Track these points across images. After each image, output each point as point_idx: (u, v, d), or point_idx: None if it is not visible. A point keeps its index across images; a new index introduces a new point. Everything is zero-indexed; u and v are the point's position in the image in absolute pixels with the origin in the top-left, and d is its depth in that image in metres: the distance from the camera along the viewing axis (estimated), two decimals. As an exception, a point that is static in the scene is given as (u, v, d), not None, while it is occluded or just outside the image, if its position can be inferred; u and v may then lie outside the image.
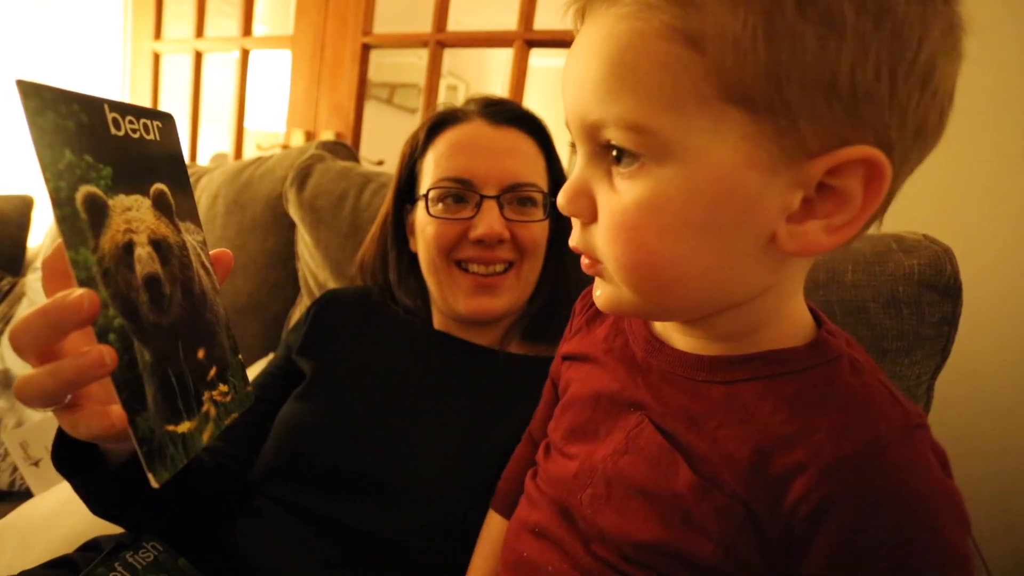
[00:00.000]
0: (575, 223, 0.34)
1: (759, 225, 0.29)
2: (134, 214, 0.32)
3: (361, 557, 0.52)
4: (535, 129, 0.65)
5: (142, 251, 0.32)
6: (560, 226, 0.68)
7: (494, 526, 0.51)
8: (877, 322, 0.60)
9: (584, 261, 0.35)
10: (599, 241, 0.32)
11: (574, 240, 0.35)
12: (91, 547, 0.58)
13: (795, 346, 0.33)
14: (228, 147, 1.81)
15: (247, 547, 0.54)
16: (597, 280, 0.35)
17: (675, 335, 0.37)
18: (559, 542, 0.37)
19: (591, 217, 0.32)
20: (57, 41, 1.87)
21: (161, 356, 0.32)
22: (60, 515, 0.73)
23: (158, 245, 0.33)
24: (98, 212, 0.30)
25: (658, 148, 0.28)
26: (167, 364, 0.33)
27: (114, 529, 0.60)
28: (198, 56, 1.73)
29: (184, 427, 0.33)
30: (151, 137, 0.34)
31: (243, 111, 1.66)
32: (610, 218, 0.31)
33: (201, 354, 0.35)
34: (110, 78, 1.90)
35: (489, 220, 0.60)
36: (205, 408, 0.35)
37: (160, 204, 0.34)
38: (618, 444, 0.36)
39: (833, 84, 0.26)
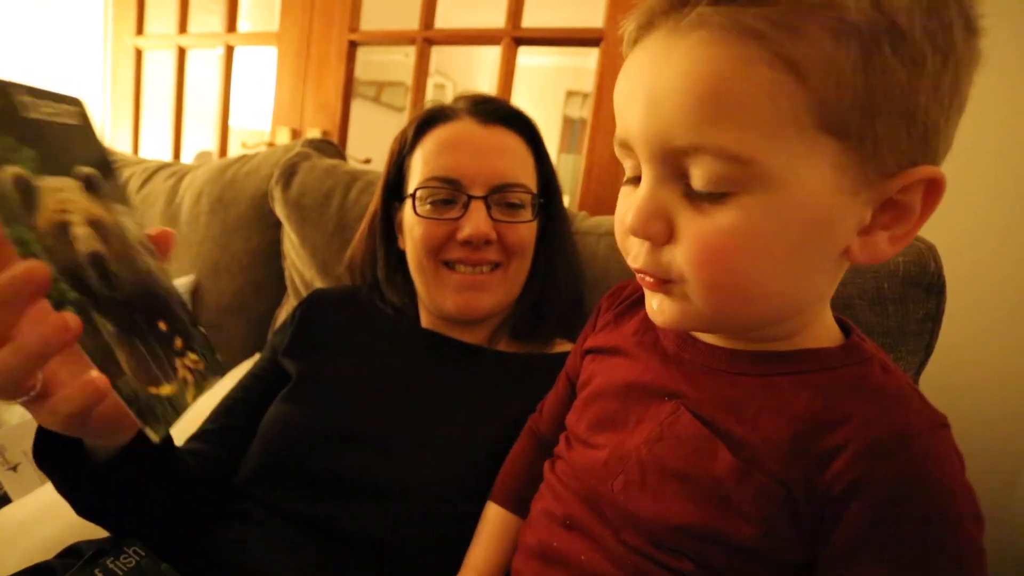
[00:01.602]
0: (638, 244, 0.34)
1: (838, 242, 0.31)
2: (66, 195, 0.31)
3: (353, 558, 0.51)
4: (524, 128, 0.65)
5: (80, 230, 0.31)
6: (550, 226, 0.67)
7: (493, 517, 0.51)
8: (863, 319, 0.61)
9: (647, 280, 0.35)
10: (680, 262, 0.32)
11: (640, 261, 0.34)
12: (70, 553, 0.57)
13: (829, 347, 0.35)
14: (212, 145, 1.79)
15: (233, 551, 0.53)
16: (658, 297, 0.35)
17: (707, 333, 0.39)
18: (589, 532, 0.38)
19: (666, 239, 0.32)
20: (37, 36, 1.83)
21: (124, 327, 0.32)
22: (38, 521, 0.71)
23: (96, 225, 0.33)
24: (28, 192, 0.29)
25: (755, 177, 0.29)
26: (132, 334, 0.32)
27: (94, 534, 0.59)
28: (181, 52, 1.70)
29: (166, 390, 0.33)
30: (69, 121, 0.33)
31: (228, 109, 1.64)
32: (700, 241, 0.31)
33: (162, 326, 0.35)
34: (91, 74, 1.86)
35: (476, 221, 0.59)
36: (181, 374, 0.35)
37: (91, 186, 0.33)
38: (651, 432, 0.37)
39: (913, 116, 0.28)
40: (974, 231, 0.87)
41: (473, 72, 3.05)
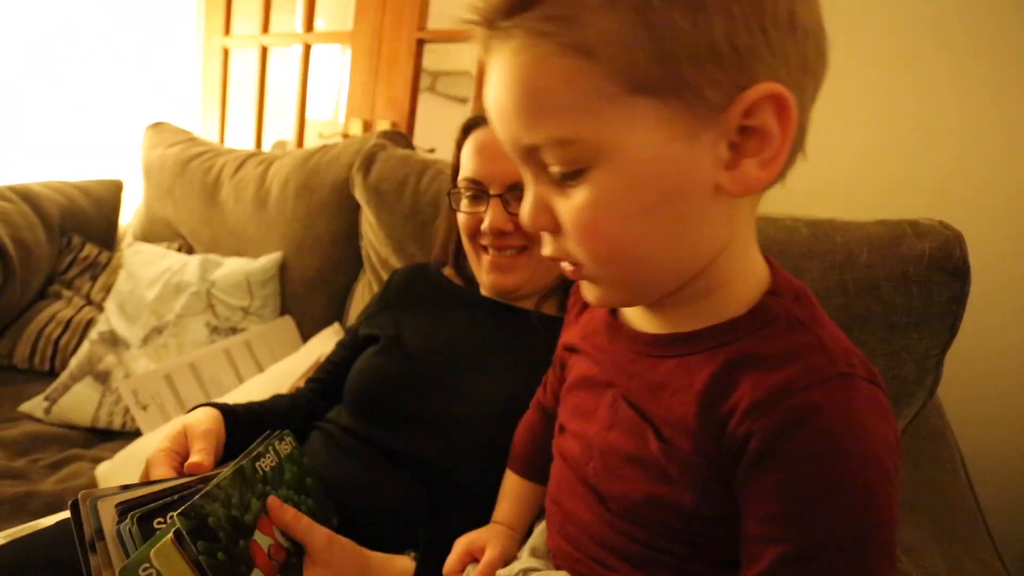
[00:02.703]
0: (545, 237, 0.37)
1: (699, 186, 0.32)
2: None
3: (409, 473, 0.63)
4: None
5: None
6: None
7: (511, 484, 0.61)
8: (888, 298, 0.66)
9: (567, 268, 0.38)
10: (570, 245, 0.35)
11: (548, 251, 0.38)
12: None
13: (735, 317, 0.36)
14: (287, 135, 1.95)
15: (333, 471, 0.66)
16: (584, 284, 0.39)
17: (633, 317, 0.42)
18: (584, 500, 0.44)
19: (557, 227, 0.35)
20: (136, 38, 2.04)
21: None
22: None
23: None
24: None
25: (588, 152, 0.32)
26: None
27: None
28: (264, 51, 1.87)
29: None
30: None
31: (305, 102, 1.79)
32: (572, 222, 0.34)
33: None
34: (185, 72, 2.06)
35: (492, 216, 0.70)
36: None
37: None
38: (603, 420, 0.42)
39: (715, 50, 0.29)
40: (1007, 223, 0.89)
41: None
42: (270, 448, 0.56)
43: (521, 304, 0.77)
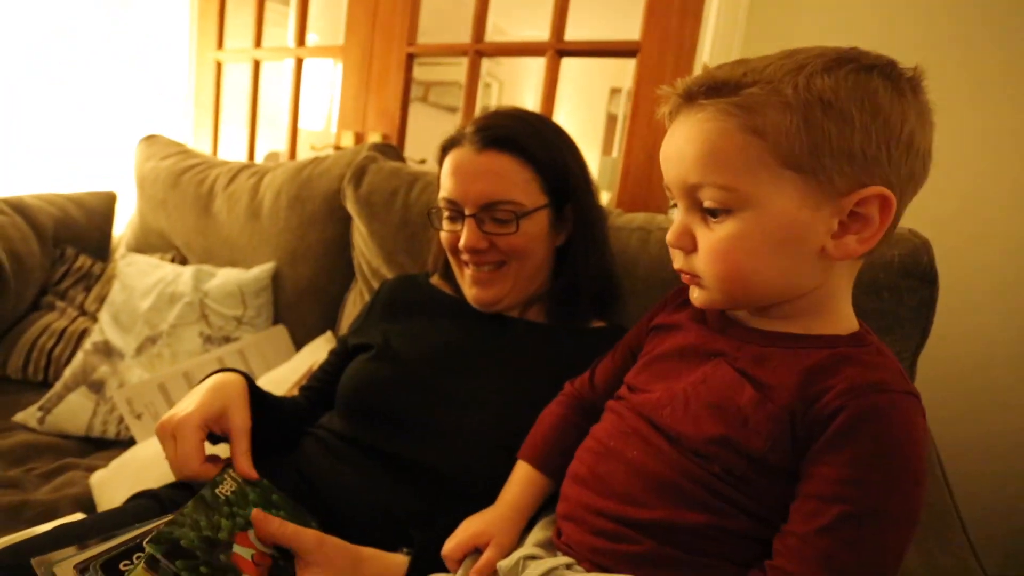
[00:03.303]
0: (678, 253, 0.50)
1: (812, 243, 0.44)
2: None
3: (405, 479, 0.65)
4: (516, 148, 0.73)
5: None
6: (579, 221, 0.78)
7: (523, 471, 0.63)
8: (860, 304, 0.68)
9: (685, 276, 0.50)
10: (700, 264, 0.47)
11: (679, 264, 0.50)
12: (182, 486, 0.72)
13: (840, 334, 0.47)
14: (280, 147, 1.97)
15: (324, 475, 0.67)
16: (695, 288, 0.50)
17: (747, 317, 0.52)
18: (646, 437, 0.50)
19: (691, 248, 0.48)
20: (130, 51, 2.06)
21: None
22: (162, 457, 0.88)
23: None
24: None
25: (740, 200, 0.43)
26: None
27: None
28: (256, 64, 1.89)
29: None
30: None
31: (297, 115, 1.81)
32: (708, 247, 0.46)
33: None
34: (177, 85, 2.08)
35: (467, 235, 0.72)
36: None
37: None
38: (697, 378, 0.50)
39: (850, 154, 0.41)
40: (975, 230, 0.92)
41: (519, 73, 3.16)
42: (226, 475, 0.58)
43: (507, 312, 0.79)
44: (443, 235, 0.77)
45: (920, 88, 0.44)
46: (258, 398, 0.70)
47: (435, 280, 0.87)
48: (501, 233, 0.73)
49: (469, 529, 0.57)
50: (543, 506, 0.61)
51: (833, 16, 0.96)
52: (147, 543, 0.44)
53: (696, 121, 0.45)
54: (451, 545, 0.56)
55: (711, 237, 0.45)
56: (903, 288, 0.69)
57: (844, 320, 0.48)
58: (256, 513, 0.53)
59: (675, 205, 0.49)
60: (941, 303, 0.71)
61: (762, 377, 0.46)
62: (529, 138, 0.74)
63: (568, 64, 1.32)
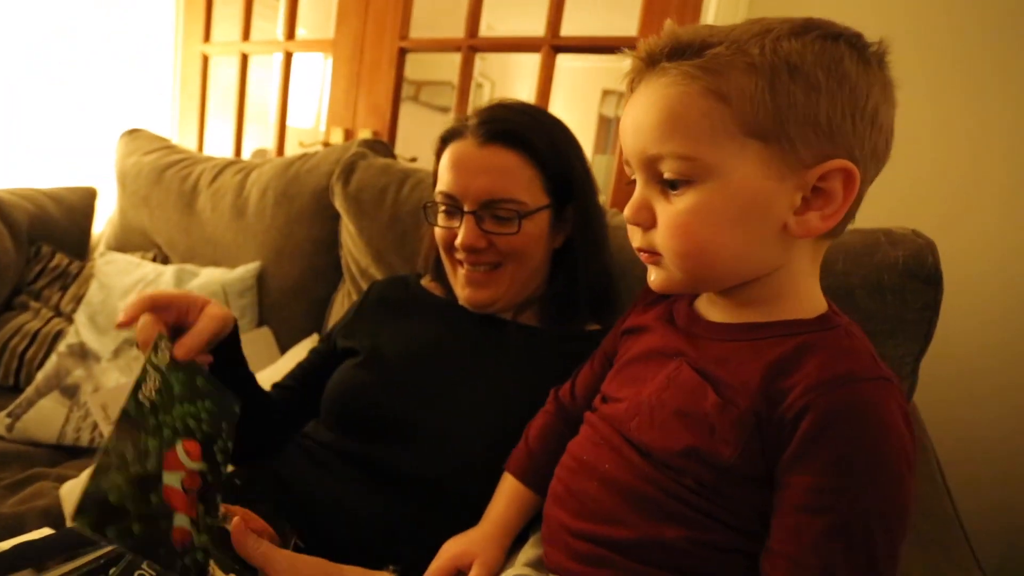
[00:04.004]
0: (636, 230, 0.46)
1: (774, 217, 0.41)
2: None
3: (403, 494, 0.62)
4: (521, 143, 0.69)
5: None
6: (578, 223, 0.75)
7: (510, 488, 0.60)
8: (863, 306, 0.67)
9: (644, 256, 0.47)
10: (659, 239, 0.44)
11: (638, 242, 0.46)
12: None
13: (805, 318, 0.44)
14: (268, 143, 1.93)
15: (310, 487, 0.64)
16: (651, 269, 0.47)
17: (710, 311, 0.49)
18: (618, 449, 0.48)
19: (651, 224, 0.45)
20: (113, 43, 2.00)
21: None
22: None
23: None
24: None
25: (701, 169, 0.41)
26: None
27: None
28: (244, 58, 1.85)
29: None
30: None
31: (285, 110, 1.77)
32: (668, 221, 0.43)
33: None
34: (162, 79, 2.03)
35: (465, 233, 0.69)
36: None
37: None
38: (661, 383, 0.47)
39: (816, 122, 0.39)
40: (985, 232, 0.91)
41: (511, 73, 3.14)
42: (148, 368, 0.49)
43: (500, 315, 0.76)
44: (437, 231, 0.74)
45: (884, 63, 0.42)
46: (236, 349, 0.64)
47: (426, 282, 0.84)
48: (501, 232, 0.69)
49: (450, 551, 0.55)
50: (533, 520, 0.58)
51: (832, 14, 0.95)
52: (75, 519, 0.37)
53: (657, 87, 0.42)
54: (431, 570, 0.54)
55: (671, 210, 0.43)
56: (907, 290, 0.67)
57: (808, 302, 0.45)
58: (236, 525, 0.50)
59: (634, 180, 0.46)
60: (944, 304, 0.69)
61: (724, 378, 0.43)
62: (535, 134, 0.70)
63: (561, 67, 1.30)
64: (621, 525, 0.45)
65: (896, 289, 0.66)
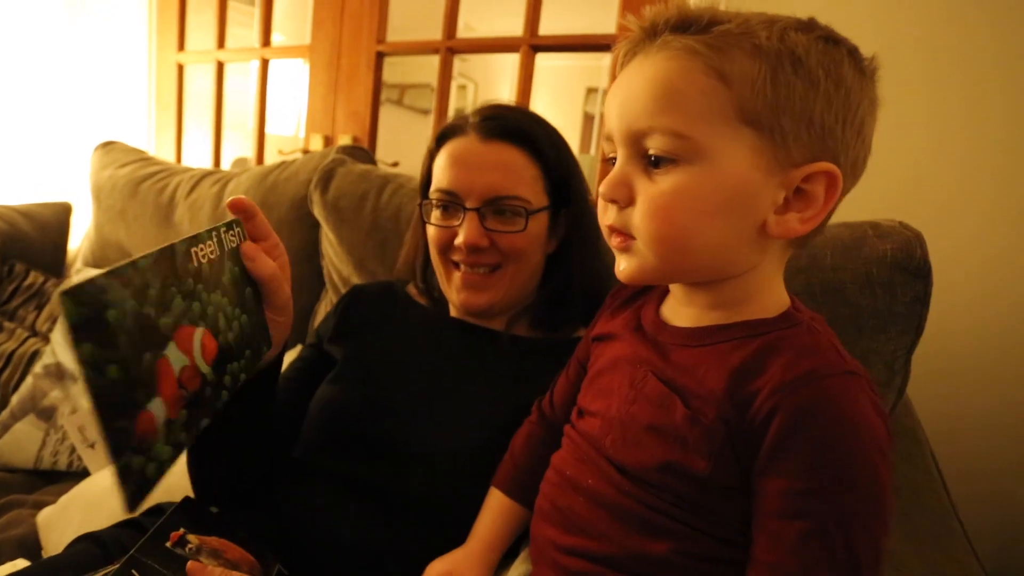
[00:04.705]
0: (611, 208, 0.44)
1: (756, 213, 0.40)
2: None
3: (390, 515, 0.59)
4: (526, 141, 0.68)
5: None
6: (572, 224, 0.73)
7: (496, 503, 0.58)
8: (854, 301, 0.66)
9: (615, 240, 0.44)
10: (636, 219, 0.41)
11: (612, 220, 0.44)
12: (154, 512, 0.66)
13: (766, 317, 0.43)
14: (249, 152, 1.90)
15: (294, 509, 0.62)
16: (621, 257, 0.44)
17: (677, 315, 0.48)
18: (597, 464, 0.46)
19: (628, 202, 0.42)
20: (85, 54, 1.96)
21: None
22: (120, 488, 0.81)
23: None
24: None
25: (692, 149, 0.39)
26: None
27: (172, 498, 0.68)
28: (220, 66, 1.82)
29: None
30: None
31: (264, 118, 1.74)
32: (649, 201, 0.41)
33: None
34: (137, 89, 1.99)
35: (467, 230, 0.66)
36: None
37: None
38: (627, 396, 0.46)
39: (811, 120, 0.38)
40: (974, 225, 0.91)
41: (494, 73, 3.12)
42: (213, 235, 0.43)
43: (491, 325, 0.74)
44: (433, 232, 0.70)
45: (874, 78, 0.41)
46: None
47: (411, 289, 0.81)
48: (504, 231, 0.67)
49: (434, 570, 0.53)
50: (524, 536, 0.57)
51: (828, 8, 0.94)
52: (61, 293, 0.29)
53: (656, 60, 0.40)
54: None
55: (653, 189, 0.40)
56: (896, 283, 0.66)
57: (771, 301, 0.44)
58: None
59: (612, 159, 0.44)
60: (934, 297, 0.68)
61: (691, 388, 0.42)
62: (539, 134, 0.69)
63: (544, 66, 1.29)
64: (608, 540, 0.43)
65: (885, 283, 0.65)
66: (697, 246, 0.41)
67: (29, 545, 0.81)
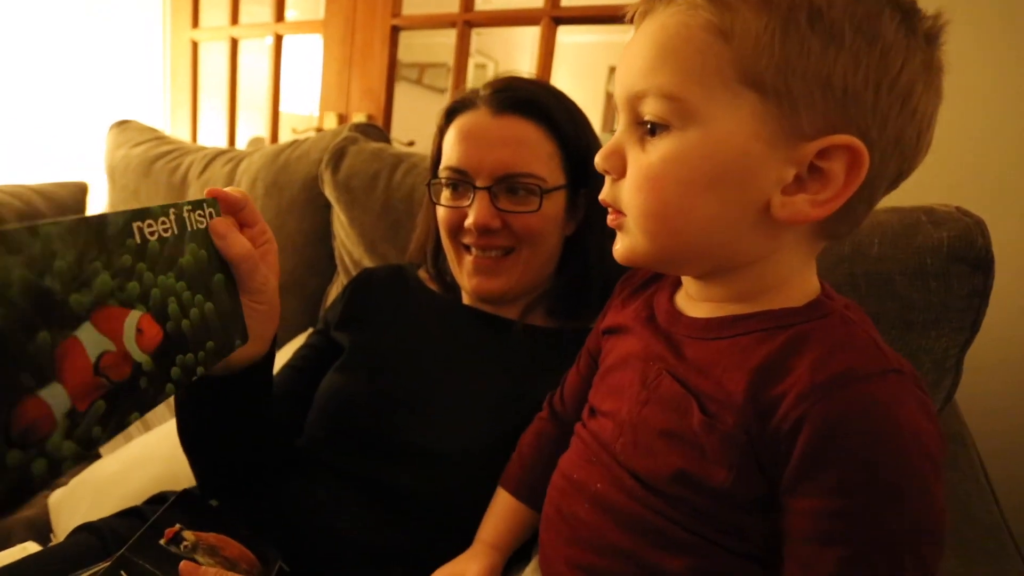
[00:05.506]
0: (607, 179, 0.40)
1: (757, 190, 0.35)
2: None
3: (396, 512, 0.56)
4: (541, 114, 0.63)
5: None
6: (589, 214, 0.68)
7: (503, 503, 0.55)
8: (903, 294, 0.60)
9: (609, 217, 0.41)
10: (625, 193, 0.38)
11: (604, 194, 0.40)
12: (156, 500, 0.64)
13: (792, 306, 0.38)
14: (264, 131, 1.87)
15: (296, 504, 0.59)
16: (618, 235, 0.41)
17: (692, 305, 0.43)
18: (608, 468, 0.42)
19: (621, 173, 0.38)
20: (101, 33, 1.94)
21: None
22: (128, 473, 0.80)
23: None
24: None
25: (684, 114, 0.34)
26: None
27: (176, 485, 0.66)
28: (234, 43, 1.78)
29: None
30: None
31: (278, 96, 1.71)
32: (637, 172, 0.37)
33: None
34: (152, 68, 1.97)
35: (478, 211, 0.62)
36: None
37: None
38: (639, 396, 0.41)
39: (828, 82, 0.32)
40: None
41: (514, 51, 3.03)
42: (171, 212, 0.38)
43: (504, 313, 0.69)
44: (442, 213, 0.66)
45: (935, 41, 0.34)
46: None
47: (422, 274, 0.77)
48: (517, 211, 0.62)
49: None
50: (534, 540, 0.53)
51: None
52: None
53: (659, 18, 0.36)
54: None
55: (643, 160, 0.37)
56: (953, 275, 0.60)
57: (799, 292, 0.39)
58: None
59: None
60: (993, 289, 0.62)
61: (707, 390, 0.37)
62: (554, 106, 0.64)
63: (565, 42, 1.22)
64: (618, 556, 0.39)
65: (940, 274, 0.59)
66: (686, 224, 0.36)
67: (39, 526, 0.80)
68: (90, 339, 0.32)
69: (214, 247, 0.43)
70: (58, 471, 0.30)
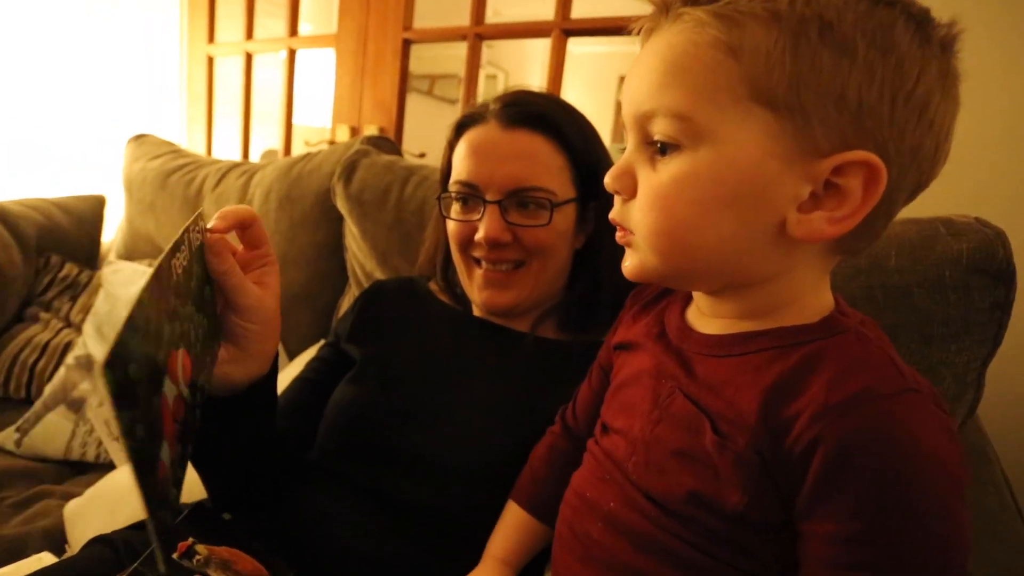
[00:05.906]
0: (617, 199, 0.40)
1: (772, 209, 0.34)
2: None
3: (408, 526, 0.56)
4: (550, 128, 0.63)
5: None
6: (599, 227, 0.68)
7: (512, 517, 0.55)
8: (922, 307, 0.59)
9: (618, 234, 0.40)
10: (635, 213, 0.38)
11: (614, 213, 0.40)
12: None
13: (806, 323, 0.37)
14: (277, 144, 1.89)
15: (308, 516, 0.59)
16: (627, 252, 0.40)
17: (703, 322, 0.43)
18: (621, 487, 0.41)
19: (631, 193, 0.38)
20: (120, 49, 1.99)
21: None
22: (141, 485, 0.81)
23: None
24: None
25: (694, 133, 0.34)
26: None
27: (190, 496, 0.66)
28: (248, 58, 1.81)
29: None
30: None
31: (291, 109, 1.73)
32: (648, 191, 0.37)
33: None
34: (168, 82, 2.01)
35: (488, 225, 0.62)
36: None
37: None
38: (651, 414, 0.41)
39: (843, 96, 0.32)
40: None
41: (525, 62, 3.05)
42: (185, 239, 0.40)
43: (515, 326, 0.69)
44: (452, 226, 0.66)
45: (951, 49, 0.34)
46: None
47: (433, 286, 0.78)
48: (527, 225, 0.62)
49: None
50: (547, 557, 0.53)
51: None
52: (104, 367, 0.27)
53: (666, 36, 0.36)
54: None
55: (653, 180, 0.36)
56: (973, 287, 0.58)
57: (812, 308, 0.38)
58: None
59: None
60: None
61: (720, 409, 0.36)
62: (564, 120, 0.65)
63: (576, 53, 1.22)
64: (630, 575, 0.39)
65: (960, 287, 0.58)
66: (700, 244, 0.36)
67: (55, 537, 0.81)
68: (168, 389, 0.33)
69: (204, 261, 0.44)
70: (177, 518, 0.32)
